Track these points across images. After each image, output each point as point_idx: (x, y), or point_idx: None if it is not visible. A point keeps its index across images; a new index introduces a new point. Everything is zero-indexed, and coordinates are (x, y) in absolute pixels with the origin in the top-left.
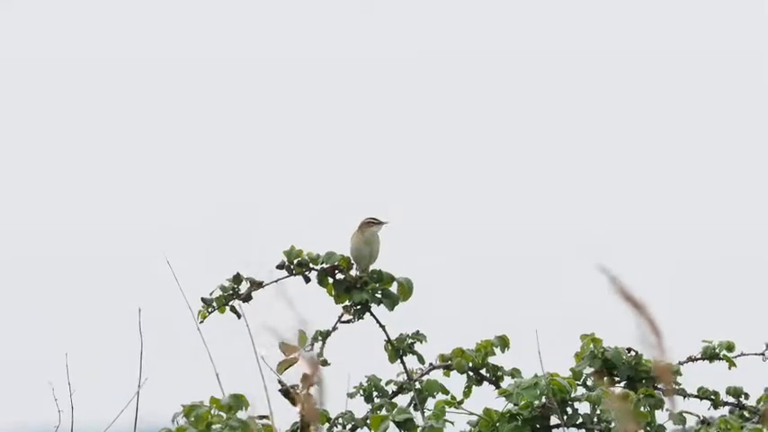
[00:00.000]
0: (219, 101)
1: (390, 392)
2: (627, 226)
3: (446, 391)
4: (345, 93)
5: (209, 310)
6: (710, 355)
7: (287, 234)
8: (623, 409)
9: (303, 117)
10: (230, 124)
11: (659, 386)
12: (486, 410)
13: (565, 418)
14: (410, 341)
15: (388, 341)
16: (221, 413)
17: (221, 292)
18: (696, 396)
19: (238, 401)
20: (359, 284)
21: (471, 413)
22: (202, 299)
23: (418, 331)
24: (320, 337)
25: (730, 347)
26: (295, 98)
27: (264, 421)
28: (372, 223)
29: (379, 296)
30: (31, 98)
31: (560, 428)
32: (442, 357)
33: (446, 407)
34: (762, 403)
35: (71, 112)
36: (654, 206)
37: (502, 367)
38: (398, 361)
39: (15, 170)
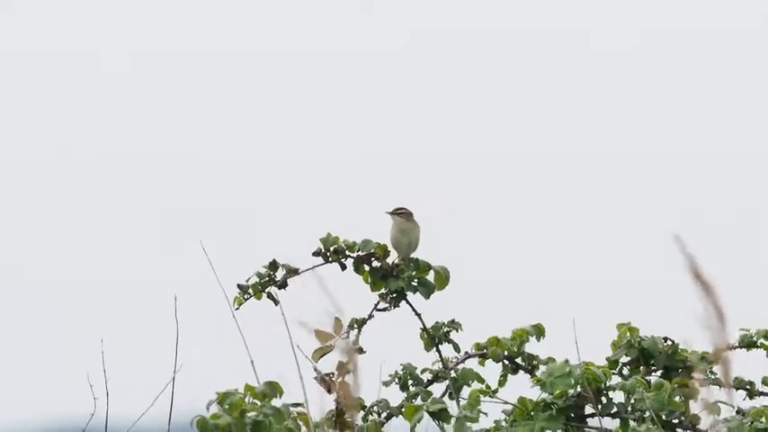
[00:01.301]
0: (240, 96)
1: (425, 381)
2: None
3: (481, 380)
4: (348, 88)
5: (246, 296)
6: (748, 343)
7: (318, 224)
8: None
9: (315, 114)
10: (243, 120)
11: (695, 376)
12: (521, 399)
13: (599, 407)
14: (446, 329)
15: (424, 329)
16: (256, 401)
17: (257, 279)
18: (731, 386)
19: (273, 389)
20: (395, 272)
21: (506, 402)
22: (238, 285)
23: (454, 320)
24: (356, 325)
25: None
26: (299, 94)
27: (299, 409)
28: (400, 213)
29: (415, 284)
30: (35, 93)
31: (595, 417)
32: (478, 346)
33: (481, 395)
34: None
35: (95, 111)
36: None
37: (537, 356)
38: (434, 349)
39: (46, 169)
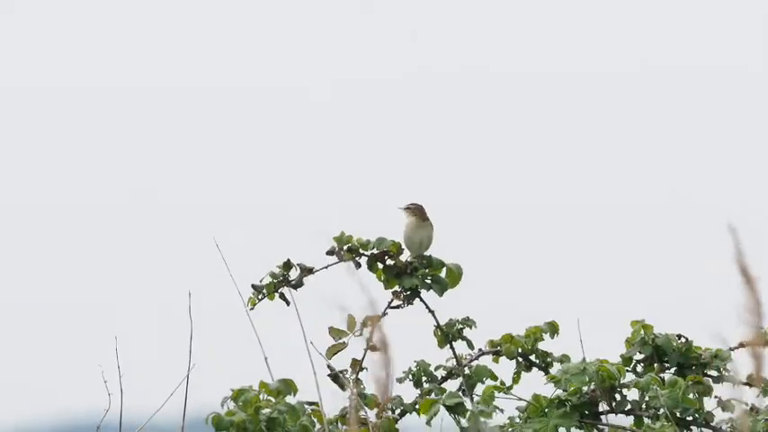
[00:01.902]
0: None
1: (439, 378)
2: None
3: (495, 377)
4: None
5: (260, 297)
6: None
7: (331, 222)
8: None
9: (322, 116)
10: (252, 128)
11: (709, 373)
12: (536, 396)
13: (613, 404)
14: (459, 326)
15: (438, 326)
16: (270, 398)
17: (271, 279)
18: (746, 384)
19: (287, 386)
20: (409, 270)
21: (520, 399)
22: (253, 285)
23: (468, 317)
24: (369, 323)
25: None
26: (306, 95)
27: (313, 407)
28: (413, 210)
29: (428, 282)
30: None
31: (609, 415)
32: (492, 343)
33: (495, 392)
34: None
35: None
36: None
37: (551, 353)
38: (448, 346)
39: (62, 168)
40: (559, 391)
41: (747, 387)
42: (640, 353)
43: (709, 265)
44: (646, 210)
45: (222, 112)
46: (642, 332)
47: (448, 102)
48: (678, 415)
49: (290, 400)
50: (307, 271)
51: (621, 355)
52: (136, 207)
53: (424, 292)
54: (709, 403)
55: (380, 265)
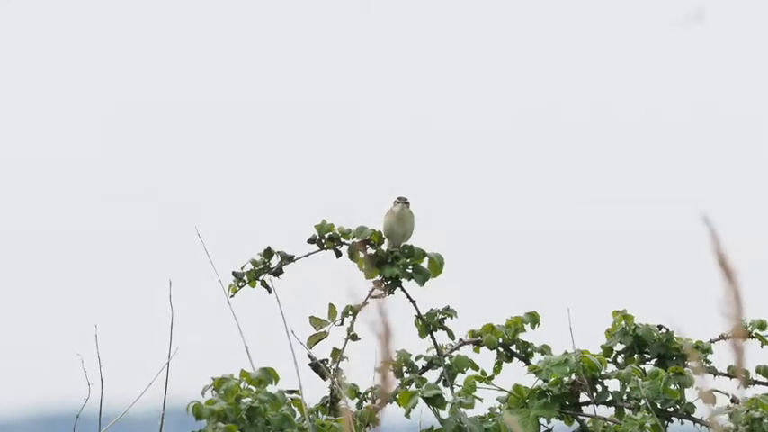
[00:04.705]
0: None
1: (420, 368)
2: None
3: (476, 367)
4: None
5: (240, 284)
6: (741, 333)
7: (317, 212)
8: None
9: (314, 111)
10: (241, 117)
11: (689, 364)
12: (516, 387)
13: (594, 395)
14: (440, 316)
15: (419, 316)
16: (251, 386)
17: (252, 266)
18: (726, 375)
19: (268, 375)
20: (390, 259)
21: (501, 389)
22: (233, 273)
23: (448, 306)
24: (350, 312)
25: (762, 326)
26: (299, 93)
27: (294, 395)
28: (401, 202)
29: (409, 271)
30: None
31: (590, 406)
32: (473, 333)
33: (476, 383)
34: None
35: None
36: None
37: (532, 344)
38: (428, 336)
39: (40, 161)
40: (540, 382)
41: (728, 378)
42: (621, 343)
43: (697, 257)
44: (637, 201)
45: (208, 111)
46: (623, 322)
47: (433, 90)
48: (659, 406)
49: (271, 389)
50: (287, 259)
51: (602, 346)
52: (116, 197)
53: (405, 282)
54: (690, 394)
55: (362, 254)
